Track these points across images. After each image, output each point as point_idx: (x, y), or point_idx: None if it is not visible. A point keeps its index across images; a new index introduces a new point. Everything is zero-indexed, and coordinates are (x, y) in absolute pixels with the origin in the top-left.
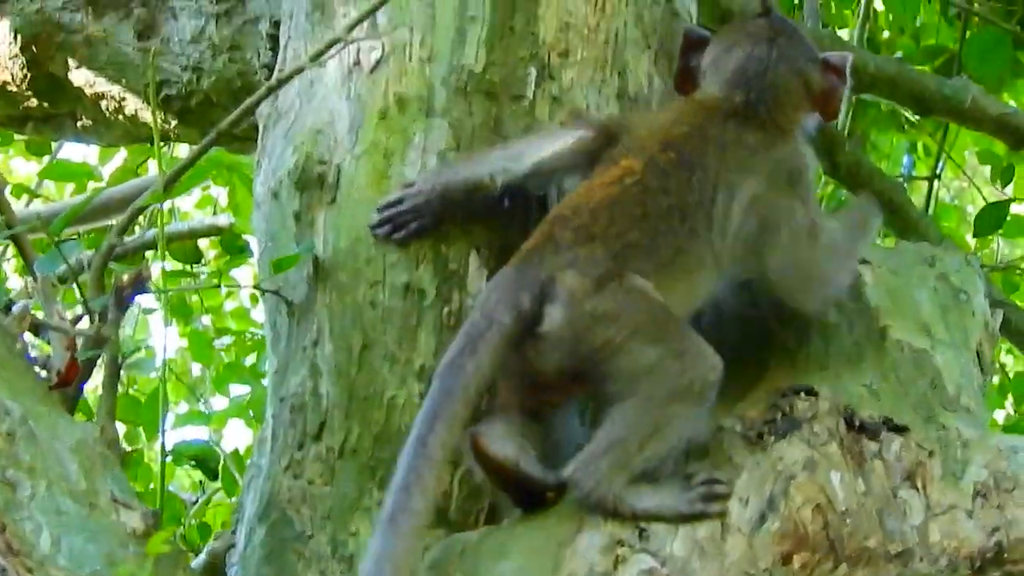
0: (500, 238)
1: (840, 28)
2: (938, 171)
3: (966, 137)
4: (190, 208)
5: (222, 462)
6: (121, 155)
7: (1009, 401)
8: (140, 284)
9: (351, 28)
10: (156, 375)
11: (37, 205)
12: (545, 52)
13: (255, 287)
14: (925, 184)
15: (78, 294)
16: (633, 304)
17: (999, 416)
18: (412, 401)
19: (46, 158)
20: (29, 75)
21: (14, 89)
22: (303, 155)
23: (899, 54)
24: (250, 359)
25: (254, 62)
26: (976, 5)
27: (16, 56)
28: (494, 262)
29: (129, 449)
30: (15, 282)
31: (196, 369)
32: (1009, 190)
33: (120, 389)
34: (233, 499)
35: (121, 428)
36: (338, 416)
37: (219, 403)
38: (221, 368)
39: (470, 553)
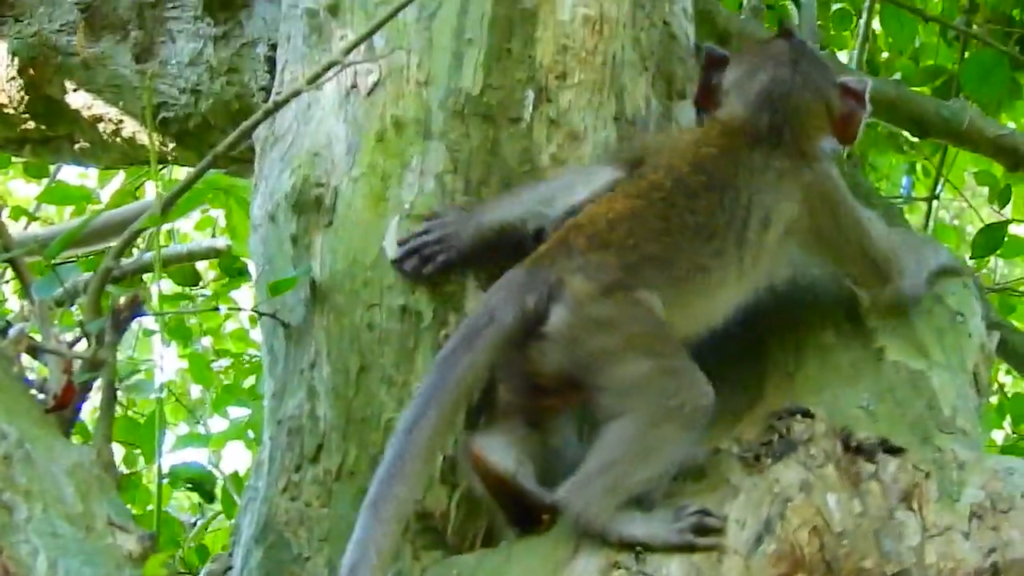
0: (497, 261)
1: (839, 49)
2: (937, 192)
3: (965, 158)
4: (190, 230)
5: (221, 484)
6: (120, 178)
7: (1008, 422)
8: (137, 307)
9: (348, 51)
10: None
11: (36, 228)
12: (543, 75)
13: (252, 310)
14: (925, 205)
15: (77, 317)
16: (634, 315)
17: (998, 437)
18: None
19: (45, 180)
20: (26, 97)
21: (11, 112)
22: (300, 178)
23: (898, 75)
24: (249, 381)
25: (252, 85)
26: (974, 27)
27: (14, 79)
28: (491, 285)
29: (127, 471)
30: (12, 305)
31: (196, 391)
32: (1007, 211)
33: (119, 411)
34: (232, 521)
35: (120, 450)
36: (335, 438)
37: (218, 425)
38: (220, 390)
39: (467, 575)
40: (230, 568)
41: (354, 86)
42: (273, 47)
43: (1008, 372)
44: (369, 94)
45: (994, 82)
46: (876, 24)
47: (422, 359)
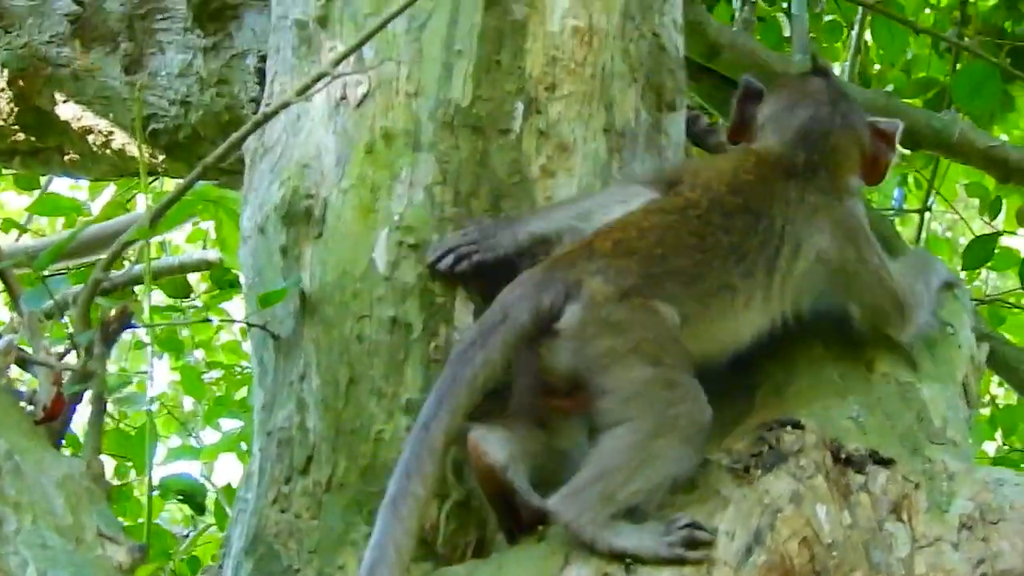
0: (487, 272)
1: (832, 61)
2: (929, 204)
3: (957, 170)
4: (181, 242)
5: (213, 496)
6: (110, 190)
7: (999, 433)
8: (126, 319)
9: (337, 62)
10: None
11: (27, 240)
12: (532, 86)
13: (242, 321)
14: (917, 217)
15: (67, 329)
16: (645, 322)
17: (990, 448)
18: (399, 435)
19: (37, 192)
20: (16, 109)
21: (1, 123)
22: (290, 189)
23: (890, 87)
24: (242, 393)
25: (241, 96)
26: (966, 39)
27: (3, 90)
28: (480, 296)
29: (118, 484)
30: (3, 316)
31: (188, 403)
32: (998, 222)
33: (111, 423)
34: (224, 533)
35: (112, 463)
36: (325, 450)
37: (211, 437)
38: (212, 402)
39: None
40: None
41: (343, 97)
42: (263, 58)
43: (1000, 384)
44: (358, 106)
45: (985, 94)
46: (868, 36)
47: (412, 371)
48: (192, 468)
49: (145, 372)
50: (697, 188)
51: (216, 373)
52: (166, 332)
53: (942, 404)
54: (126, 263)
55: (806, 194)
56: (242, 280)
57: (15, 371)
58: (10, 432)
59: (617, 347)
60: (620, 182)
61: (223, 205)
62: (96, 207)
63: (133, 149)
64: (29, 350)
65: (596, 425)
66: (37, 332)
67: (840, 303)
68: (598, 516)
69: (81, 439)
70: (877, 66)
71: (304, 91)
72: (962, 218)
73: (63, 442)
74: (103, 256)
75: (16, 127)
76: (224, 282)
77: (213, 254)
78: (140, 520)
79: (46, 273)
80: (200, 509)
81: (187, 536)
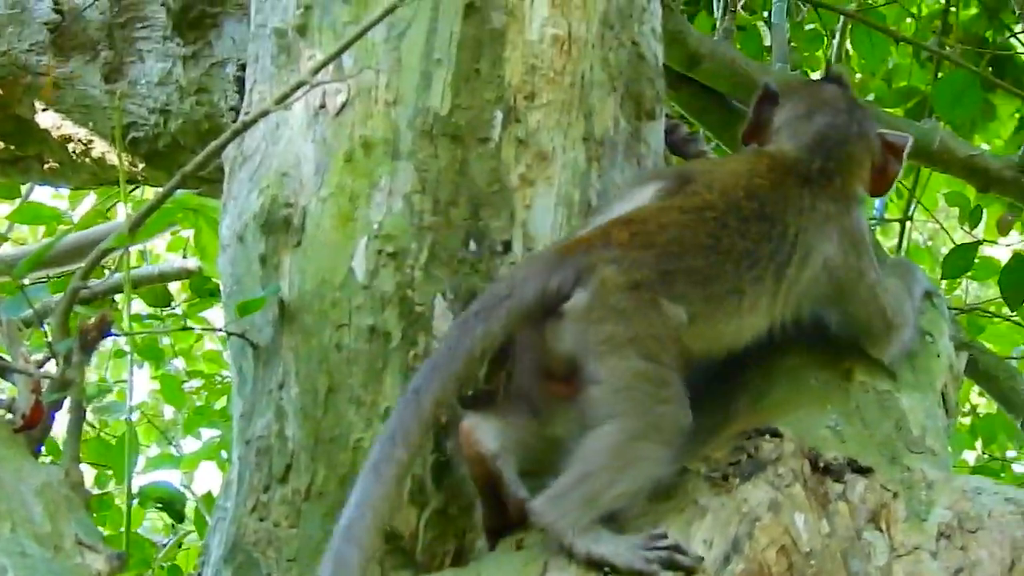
0: (466, 281)
1: (812, 70)
2: (910, 213)
3: (939, 179)
4: (162, 250)
5: (193, 505)
6: (91, 198)
7: (979, 442)
8: (106, 327)
9: (316, 71)
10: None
11: (7, 248)
12: (511, 95)
13: (221, 330)
14: (898, 226)
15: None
16: (649, 317)
17: (970, 457)
18: None
19: (17, 201)
20: None
21: None
22: (269, 198)
23: (871, 96)
24: (222, 402)
25: (221, 104)
26: (947, 48)
27: None
28: (460, 305)
29: (97, 492)
30: None
31: (168, 412)
32: (979, 232)
33: (92, 432)
34: (203, 541)
35: (92, 471)
36: (304, 459)
37: (191, 446)
38: (192, 411)
39: None
40: None
41: (323, 106)
42: (242, 67)
43: (980, 393)
44: (338, 114)
45: (966, 103)
46: (848, 45)
47: (391, 379)
48: (172, 477)
49: (125, 381)
50: (714, 190)
51: (196, 382)
52: (146, 341)
53: (921, 413)
54: (106, 271)
55: (818, 202)
56: (221, 288)
57: None
58: None
59: (617, 335)
60: (632, 182)
61: (203, 213)
62: (77, 215)
63: (113, 157)
64: (8, 358)
65: (583, 414)
66: (16, 340)
67: (829, 313)
68: (579, 520)
69: (61, 447)
70: (858, 75)
71: (283, 100)
72: (943, 227)
73: (42, 450)
74: (83, 265)
75: None
76: (204, 291)
77: (193, 263)
78: (121, 529)
79: (25, 281)
80: (180, 517)
81: (167, 545)
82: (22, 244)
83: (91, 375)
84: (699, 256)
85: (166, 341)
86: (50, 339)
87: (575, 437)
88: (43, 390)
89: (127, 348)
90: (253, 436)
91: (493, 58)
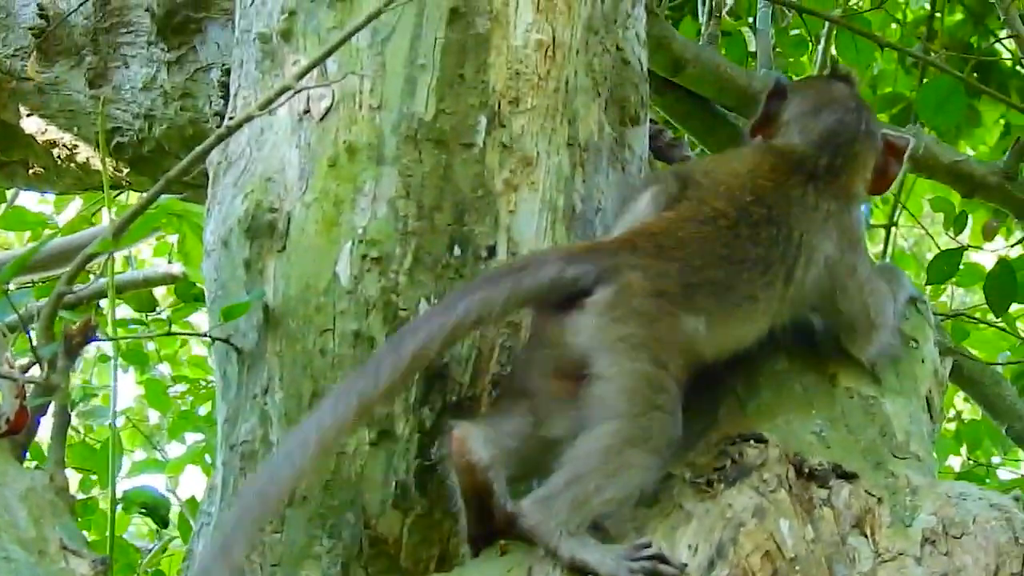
0: (451, 286)
1: (797, 76)
2: (895, 219)
3: (924, 185)
4: (148, 255)
5: (178, 509)
6: (77, 203)
7: (964, 447)
8: (90, 332)
9: (301, 76)
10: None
11: None
12: (495, 100)
13: (205, 335)
14: (883, 232)
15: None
16: (669, 325)
17: (955, 463)
18: (362, 449)
19: (3, 206)
20: None
21: None
22: (253, 203)
23: None
24: (207, 406)
25: (206, 110)
26: (932, 54)
27: None
28: None
29: (82, 497)
30: None
31: (153, 416)
32: (964, 237)
33: (77, 436)
34: (187, 546)
35: (77, 476)
36: None
37: (176, 451)
38: (177, 416)
39: None
40: None
41: (307, 111)
42: (227, 72)
43: (965, 399)
44: (322, 119)
45: (951, 109)
46: (834, 50)
47: None
48: (157, 481)
49: (110, 386)
50: (721, 196)
51: (181, 387)
52: (131, 346)
53: (905, 418)
54: (91, 276)
55: (820, 200)
56: (206, 293)
57: None
58: None
59: (635, 335)
60: (628, 193)
61: (187, 219)
62: (62, 220)
63: (98, 163)
64: None
65: (581, 411)
66: (1, 345)
67: (819, 309)
68: (567, 524)
69: (46, 452)
70: None
71: (267, 105)
72: (928, 233)
73: (27, 455)
74: (68, 269)
75: None
76: (189, 296)
77: (178, 268)
78: (106, 534)
79: (10, 286)
80: (164, 523)
81: (152, 550)
82: (7, 249)
83: (76, 380)
84: (718, 268)
85: (151, 346)
86: (35, 344)
87: (571, 439)
88: (28, 395)
89: (112, 353)
90: (237, 441)
91: (477, 63)
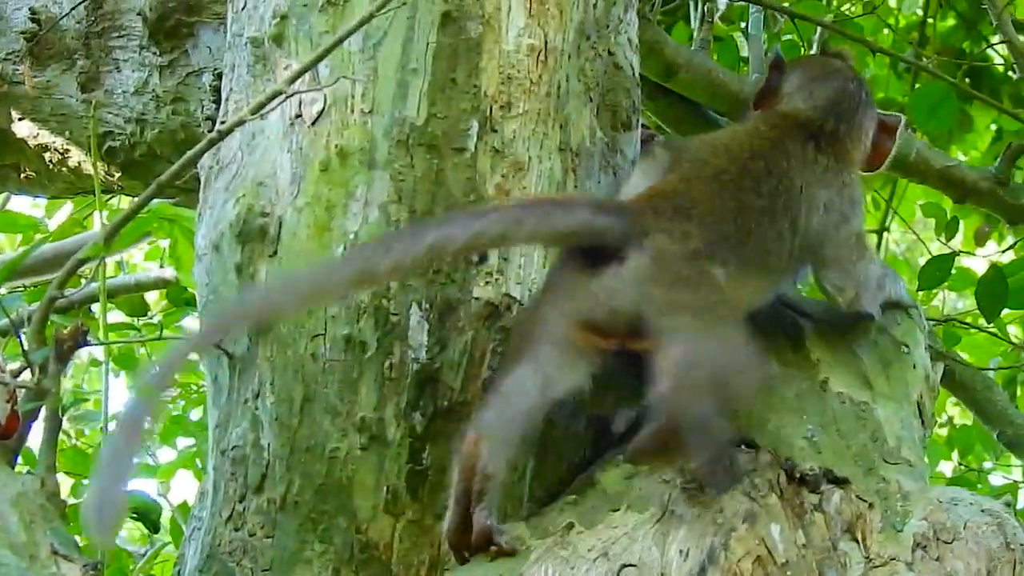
0: (442, 291)
1: None
2: (887, 224)
3: (916, 191)
4: (140, 260)
5: (169, 514)
6: (68, 207)
7: (956, 453)
8: (81, 337)
9: (293, 80)
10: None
11: None
12: (487, 105)
13: (196, 339)
14: (875, 237)
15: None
16: (711, 284)
17: (947, 469)
18: (354, 453)
19: None
20: None
21: None
22: (245, 207)
23: None
24: (198, 411)
25: (198, 114)
26: (924, 59)
27: None
28: (435, 315)
29: (74, 501)
30: None
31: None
32: (956, 243)
33: (69, 441)
34: (178, 551)
35: (69, 481)
36: (279, 468)
37: (168, 455)
38: (168, 420)
39: None
40: None
41: (299, 115)
42: (219, 76)
43: (956, 404)
44: (314, 123)
45: (943, 114)
46: None
47: (366, 389)
48: (149, 486)
49: (101, 391)
50: (720, 155)
51: (173, 391)
52: (123, 350)
53: (897, 424)
54: (83, 280)
55: (820, 156)
56: (197, 298)
57: None
58: None
59: (688, 302)
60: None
61: (179, 223)
62: (53, 225)
63: (89, 167)
64: None
65: (659, 366)
66: None
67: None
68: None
69: (37, 457)
70: None
71: (259, 109)
72: (919, 238)
73: (18, 460)
74: (59, 274)
75: None
76: (181, 300)
77: (170, 272)
78: None
79: (2, 290)
80: (154, 527)
81: (144, 555)
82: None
83: (67, 384)
84: (730, 223)
85: (143, 351)
86: (26, 348)
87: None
88: (19, 400)
89: (103, 357)
90: (228, 446)
91: (469, 68)
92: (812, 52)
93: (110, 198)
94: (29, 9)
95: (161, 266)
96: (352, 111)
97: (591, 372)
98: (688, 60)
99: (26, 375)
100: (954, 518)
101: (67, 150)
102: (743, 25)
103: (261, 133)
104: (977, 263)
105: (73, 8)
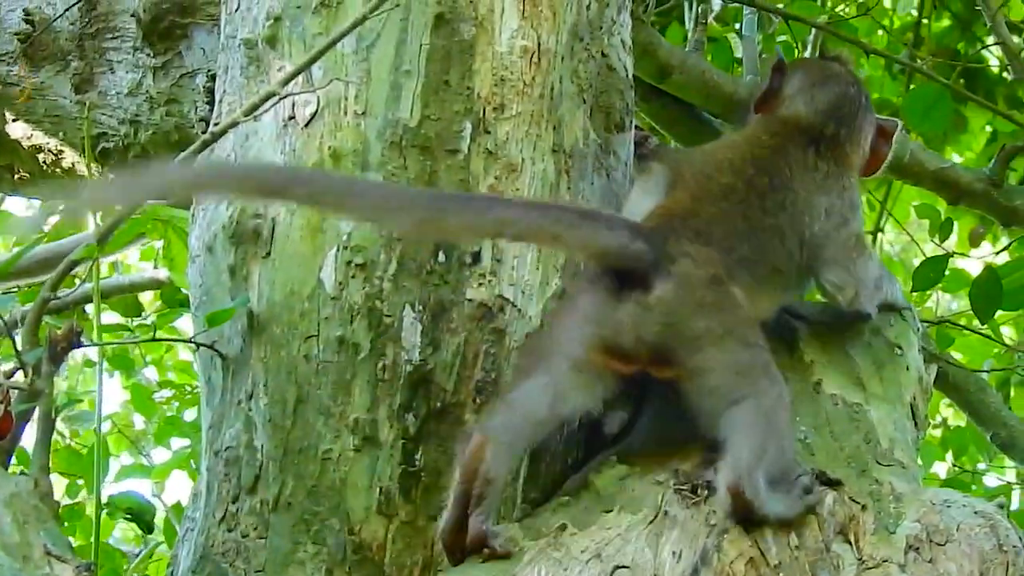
0: (435, 293)
1: None
2: (881, 225)
3: (911, 192)
4: (135, 260)
5: (163, 515)
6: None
7: (950, 454)
8: (75, 338)
9: (286, 82)
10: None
11: None
12: (480, 106)
13: (189, 341)
14: (869, 238)
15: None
16: (735, 308)
17: (941, 470)
18: (347, 455)
19: None
20: None
21: None
22: (238, 209)
23: None
24: (193, 412)
25: (191, 115)
26: (919, 61)
27: None
28: (428, 316)
29: (68, 502)
30: None
31: (139, 422)
32: (950, 244)
33: (62, 442)
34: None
35: (63, 481)
36: (273, 469)
37: (162, 456)
38: (163, 421)
39: None
40: None
41: (292, 117)
42: (212, 78)
43: (950, 405)
44: (307, 125)
45: (937, 116)
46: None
47: (359, 390)
48: (143, 487)
49: (95, 391)
50: (726, 171)
51: (167, 392)
52: (117, 351)
53: (890, 425)
54: (77, 281)
55: (820, 162)
56: (190, 299)
57: None
58: None
59: (717, 329)
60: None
61: (172, 224)
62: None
63: (83, 168)
64: None
65: (702, 401)
66: None
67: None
68: (760, 485)
69: (31, 457)
70: None
71: (252, 110)
72: (913, 239)
73: (12, 461)
74: (53, 275)
75: None
76: (175, 301)
77: (164, 273)
78: (91, 539)
79: None
80: (149, 528)
81: (138, 555)
82: None
83: (61, 385)
84: (744, 244)
85: (137, 351)
86: (20, 349)
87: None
88: (12, 400)
89: (97, 358)
90: (222, 447)
91: (462, 69)
92: (806, 54)
93: None
94: (23, 10)
95: (155, 267)
96: (345, 113)
97: (604, 396)
98: (682, 61)
99: (20, 376)
100: (947, 520)
101: (61, 151)
102: (737, 26)
103: (255, 135)
104: (971, 264)
105: (67, 9)
